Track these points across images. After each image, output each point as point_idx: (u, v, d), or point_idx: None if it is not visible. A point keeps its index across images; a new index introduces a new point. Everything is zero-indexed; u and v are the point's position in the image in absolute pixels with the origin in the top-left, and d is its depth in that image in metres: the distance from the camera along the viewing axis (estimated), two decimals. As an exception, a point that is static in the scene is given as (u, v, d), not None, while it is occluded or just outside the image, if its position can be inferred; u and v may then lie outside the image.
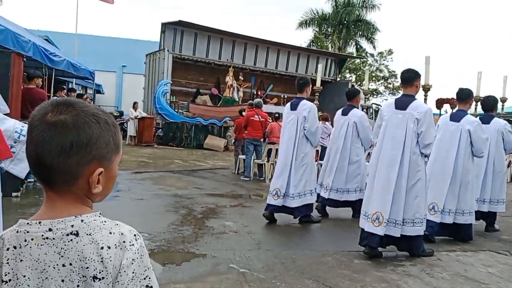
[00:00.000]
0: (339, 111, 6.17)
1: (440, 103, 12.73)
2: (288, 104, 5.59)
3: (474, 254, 4.48)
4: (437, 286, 3.47)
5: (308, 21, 30.15)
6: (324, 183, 5.98)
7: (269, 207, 5.26)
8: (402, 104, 4.19)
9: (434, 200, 4.82)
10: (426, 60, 4.78)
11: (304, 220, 5.38)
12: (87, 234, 0.85)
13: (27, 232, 0.85)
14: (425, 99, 4.88)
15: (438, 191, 4.86)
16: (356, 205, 5.68)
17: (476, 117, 5.43)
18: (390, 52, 31.35)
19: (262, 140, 9.45)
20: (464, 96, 5.00)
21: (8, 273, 0.84)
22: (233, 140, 11.58)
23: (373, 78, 31.21)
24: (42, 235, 0.84)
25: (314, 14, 30.11)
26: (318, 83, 6.61)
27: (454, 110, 5.03)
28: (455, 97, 5.19)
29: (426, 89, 4.85)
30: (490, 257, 4.42)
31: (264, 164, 9.16)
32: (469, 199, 4.89)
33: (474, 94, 5.38)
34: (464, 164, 4.82)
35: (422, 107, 4.19)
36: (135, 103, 16.45)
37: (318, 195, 5.87)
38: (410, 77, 4.25)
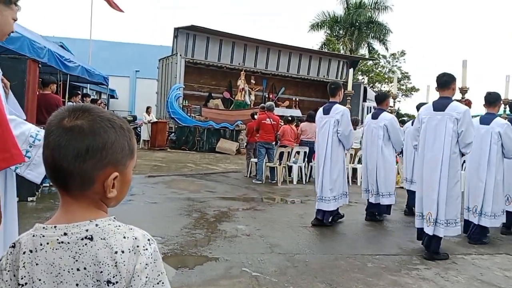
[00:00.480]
0: (369, 115, 6.34)
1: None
2: (321, 109, 5.70)
3: (490, 257, 4.40)
4: (452, 290, 3.42)
5: (319, 24, 30.09)
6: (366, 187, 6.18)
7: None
8: (440, 106, 4.34)
9: (475, 203, 4.97)
10: (463, 64, 5.03)
11: (335, 220, 5.61)
12: (101, 239, 0.86)
13: (43, 236, 0.86)
14: (463, 101, 5.05)
15: (475, 193, 4.98)
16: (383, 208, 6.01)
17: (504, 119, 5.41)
18: (402, 53, 31.11)
19: (274, 143, 9.45)
20: (493, 99, 5.07)
21: (24, 276, 0.86)
22: (245, 144, 11.60)
23: (386, 80, 30.98)
24: (57, 239, 0.86)
25: (326, 16, 30.04)
26: (349, 87, 6.75)
27: (484, 114, 5.13)
28: (483, 100, 5.18)
29: (464, 91, 5.05)
30: (507, 260, 4.34)
31: (276, 167, 9.15)
32: (500, 201, 5.02)
33: (503, 97, 5.42)
34: (496, 166, 4.89)
35: (461, 107, 4.31)
36: (148, 108, 16.61)
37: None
38: (447, 81, 4.39)
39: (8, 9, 1.92)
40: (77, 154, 0.85)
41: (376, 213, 6.05)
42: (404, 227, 5.76)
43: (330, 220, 5.46)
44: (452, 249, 4.66)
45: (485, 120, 5.05)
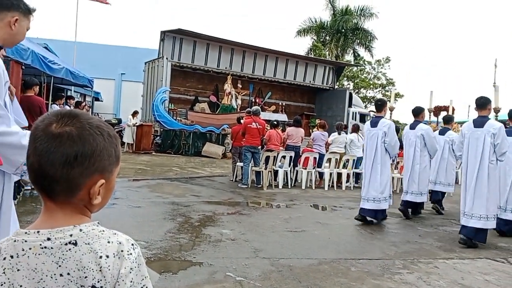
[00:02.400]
0: (407, 126, 7.25)
1: (437, 110, 12.79)
2: (368, 122, 6.79)
3: (471, 262, 4.48)
4: (434, 294, 3.47)
5: (306, 29, 30.35)
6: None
7: (364, 211, 6.17)
8: (479, 124, 5.32)
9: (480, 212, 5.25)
10: (496, 88, 6.06)
11: (381, 218, 6.30)
12: (85, 244, 0.86)
13: (25, 241, 0.85)
14: (496, 119, 5.85)
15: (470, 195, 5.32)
16: (420, 206, 7.08)
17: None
18: (387, 59, 31.54)
19: (260, 147, 9.47)
20: (481, 103, 5.45)
21: (4, 283, 0.85)
22: (230, 148, 11.60)
23: (371, 86, 31.35)
24: (40, 244, 0.85)
25: (312, 22, 30.31)
26: (392, 102, 7.78)
27: (476, 117, 5.55)
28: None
29: (497, 110, 5.97)
30: (487, 264, 4.42)
31: (262, 171, 9.16)
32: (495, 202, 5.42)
33: (493, 106, 5.74)
34: (489, 167, 5.27)
35: (496, 124, 5.28)
36: (135, 112, 16.46)
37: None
38: (484, 103, 5.35)
39: (26, 19, 1.98)
40: (66, 160, 0.84)
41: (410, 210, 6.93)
42: (387, 231, 5.83)
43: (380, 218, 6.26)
44: (434, 253, 4.73)
45: (478, 123, 5.39)
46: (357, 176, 11.15)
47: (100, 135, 0.89)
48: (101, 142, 0.88)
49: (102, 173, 0.89)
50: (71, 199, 0.88)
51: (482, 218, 5.11)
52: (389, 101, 8.06)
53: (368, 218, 6.18)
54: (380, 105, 6.58)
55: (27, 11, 1.98)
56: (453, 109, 9.96)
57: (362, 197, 6.22)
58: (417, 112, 7.14)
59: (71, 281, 0.84)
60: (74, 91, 19.61)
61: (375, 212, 6.16)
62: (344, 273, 3.84)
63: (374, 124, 6.34)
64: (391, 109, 7.35)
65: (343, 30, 29.51)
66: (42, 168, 0.85)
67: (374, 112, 7.54)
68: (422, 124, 6.98)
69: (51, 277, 0.84)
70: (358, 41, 30.19)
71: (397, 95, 31.62)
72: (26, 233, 0.86)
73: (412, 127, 6.97)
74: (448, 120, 8.62)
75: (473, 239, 5.10)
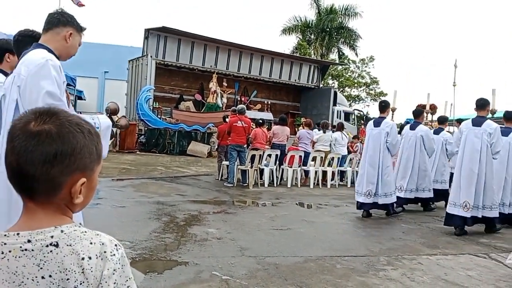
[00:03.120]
0: (407, 127, 7.63)
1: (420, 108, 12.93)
2: (371, 122, 6.97)
3: (454, 258, 4.55)
4: (418, 290, 3.51)
5: (291, 28, 30.42)
6: (397, 184, 7.18)
7: (363, 205, 6.56)
8: (478, 123, 5.72)
9: (466, 198, 5.60)
10: (493, 92, 6.50)
11: (392, 213, 6.71)
12: (67, 245, 0.84)
13: (4, 244, 0.83)
14: (492, 118, 6.14)
15: (467, 190, 5.64)
16: (427, 201, 7.54)
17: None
18: (371, 59, 31.84)
19: (245, 146, 9.46)
20: (480, 104, 5.83)
21: None
22: (216, 146, 11.56)
23: (355, 85, 31.61)
24: (21, 247, 0.82)
25: (298, 21, 30.41)
26: (394, 103, 7.85)
27: (475, 116, 5.91)
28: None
29: (493, 112, 6.40)
30: (469, 260, 4.50)
31: (248, 170, 9.16)
32: (494, 196, 5.78)
33: (490, 108, 6.12)
34: (487, 164, 5.67)
35: (493, 124, 5.69)
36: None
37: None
38: (483, 104, 5.77)
39: (78, 35, 2.36)
40: (45, 159, 0.82)
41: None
42: (371, 228, 5.88)
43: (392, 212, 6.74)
44: (418, 250, 4.80)
45: (477, 122, 5.77)
46: (342, 174, 11.24)
47: (80, 133, 0.87)
48: (82, 139, 0.87)
49: (83, 171, 0.87)
50: (52, 199, 0.86)
51: (493, 208, 5.63)
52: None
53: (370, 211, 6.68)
54: (384, 106, 6.96)
55: (80, 28, 2.38)
56: (435, 107, 10.11)
57: (359, 192, 6.60)
58: (418, 114, 7.68)
59: (53, 284, 0.82)
60: (56, 90, 19.28)
61: (386, 206, 6.64)
62: (329, 270, 3.86)
63: (377, 124, 6.69)
64: (393, 110, 7.70)
65: (328, 29, 29.67)
66: (21, 168, 0.83)
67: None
68: (422, 125, 7.46)
69: (32, 280, 0.82)
70: (343, 40, 30.40)
71: (381, 94, 31.97)
72: (5, 235, 0.84)
73: (412, 128, 7.38)
74: (443, 120, 8.89)
75: (492, 226, 5.75)
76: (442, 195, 7.72)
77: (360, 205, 6.62)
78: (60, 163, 0.83)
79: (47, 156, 0.82)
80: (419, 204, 7.59)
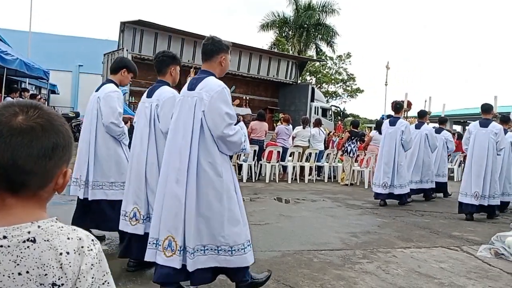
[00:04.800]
0: (413, 126, 8.54)
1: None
2: (387, 121, 7.85)
3: (427, 251, 4.67)
4: (392, 282, 3.59)
5: (269, 24, 30.41)
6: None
7: (380, 195, 7.50)
8: (484, 124, 6.67)
9: (476, 189, 6.48)
10: (495, 98, 7.64)
11: (404, 203, 7.56)
12: (44, 240, 0.82)
13: None
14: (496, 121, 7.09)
15: (477, 182, 6.54)
16: (428, 192, 8.58)
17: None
18: (348, 55, 32.15)
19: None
20: (485, 108, 6.80)
21: None
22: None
23: (332, 81, 31.90)
24: None
25: (275, 17, 30.41)
26: (405, 105, 9.03)
27: (482, 119, 6.81)
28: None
29: (494, 116, 7.33)
30: (442, 253, 4.62)
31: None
32: (497, 186, 6.75)
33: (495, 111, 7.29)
34: (493, 159, 6.57)
35: (498, 125, 6.71)
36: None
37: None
38: (488, 108, 6.75)
39: (228, 54, 3.18)
40: (44, 153, 0.83)
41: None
42: (348, 223, 5.97)
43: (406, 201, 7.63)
44: (392, 243, 4.90)
45: (484, 124, 6.70)
46: (319, 169, 11.36)
47: (65, 125, 0.90)
48: (68, 131, 0.89)
49: (68, 162, 0.90)
50: (40, 192, 0.86)
51: (495, 197, 6.60)
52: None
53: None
54: (399, 107, 7.87)
55: (228, 48, 3.15)
56: (411, 104, 10.30)
57: (376, 184, 7.55)
58: (423, 114, 8.88)
59: (30, 280, 0.80)
60: (29, 83, 18.78)
61: (400, 197, 7.52)
62: (307, 264, 3.90)
63: (392, 123, 7.57)
64: (407, 111, 8.66)
65: (306, 26, 29.80)
66: (15, 163, 0.81)
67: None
68: (426, 125, 8.64)
69: (9, 277, 0.80)
70: (320, 36, 30.57)
71: (358, 90, 32.37)
72: None
73: (418, 127, 8.52)
74: (444, 121, 9.96)
75: (493, 213, 6.70)
76: (441, 187, 8.97)
77: (376, 195, 7.57)
78: (56, 155, 0.85)
79: (46, 150, 0.83)
80: (422, 194, 8.56)
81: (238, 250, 2.77)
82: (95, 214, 3.83)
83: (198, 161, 2.72)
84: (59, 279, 0.82)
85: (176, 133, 2.85)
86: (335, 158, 11.28)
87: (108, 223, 3.77)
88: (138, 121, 3.53)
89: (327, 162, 10.98)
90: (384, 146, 7.57)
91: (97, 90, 4.03)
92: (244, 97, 21.37)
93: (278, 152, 10.09)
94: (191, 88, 2.92)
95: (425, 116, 9.09)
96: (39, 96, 14.03)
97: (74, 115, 18.58)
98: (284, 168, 10.53)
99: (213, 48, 2.95)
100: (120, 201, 3.48)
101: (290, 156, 10.39)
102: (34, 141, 0.82)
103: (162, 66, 3.75)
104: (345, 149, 10.35)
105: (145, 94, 3.73)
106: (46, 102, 16.03)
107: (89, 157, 3.79)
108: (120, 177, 3.77)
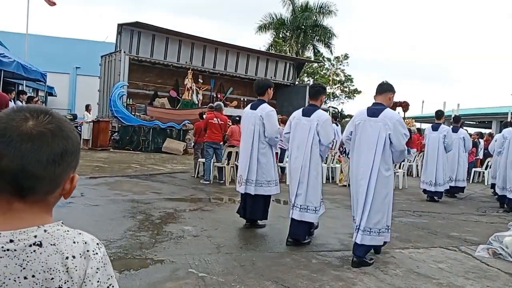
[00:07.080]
0: (429, 127, 9.11)
1: (393, 106, 13.27)
2: (430, 126, 8.94)
3: (425, 251, 4.68)
4: (391, 283, 3.60)
5: (267, 25, 30.45)
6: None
7: (427, 192, 8.50)
8: (436, 128, 8.28)
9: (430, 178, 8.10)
10: (444, 105, 8.19)
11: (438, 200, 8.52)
12: (51, 244, 0.83)
13: None
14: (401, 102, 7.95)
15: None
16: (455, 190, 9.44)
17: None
18: (346, 56, 32.23)
19: (221, 143, 9.43)
20: (438, 115, 8.04)
21: None
22: (193, 144, 11.47)
23: (330, 82, 31.95)
24: (2, 247, 0.80)
25: (273, 18, 30.45)
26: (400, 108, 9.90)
27: (434, 124, 8.02)
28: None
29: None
30: (440, 253, 4.64)
31: (224, 167, 9.13)
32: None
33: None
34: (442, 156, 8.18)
35: (446, 127, 8.02)
36: (88, 106, 15.91)
37: None
38: (440, 114, 8.17)
39: (393, 95, 4.29)
40: (54, 158, 0.83)
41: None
42: (346, 224, 5.95)
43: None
44: (391, 243, 4.90)
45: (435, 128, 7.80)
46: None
47: (74, 130, 0.90)
48: (77, 138, 0.90)
49: (75, 168, 0.90)
50: (48, 196, 0.86)
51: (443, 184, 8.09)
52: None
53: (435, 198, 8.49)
54: (440, 114, 8.90)
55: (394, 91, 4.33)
56: (408, 104, 10.35)
57: (424, 181, 8.51)
58: (440, 115, 9.04)
59: (36, 284, 0.80)
60: (26, 86, 18.74)
61: (438, 194, 8.45)
62: (305, 265, 3.91)
63: (435, 128, 8.62)
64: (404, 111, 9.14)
65: (303, 27, 29.84)
66: (25, 169, 0.80)
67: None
68: (443, 125, 8.89)
69: (15, 281, 0.80)
70: (318, 37, 30.63)
71: (356, 91, 32.44)
72: None
73: (435, 128, 8.76)
74: (458, 119, 10.18)
75: (441, 195, 8.37)
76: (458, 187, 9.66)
77: (424, 191, 8.58)
78: (65, 161, 0.85)
79: (55, 155, 0.83)
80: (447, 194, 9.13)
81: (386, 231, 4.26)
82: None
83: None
84: (65, 283, 0.82)
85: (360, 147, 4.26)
86: (333, 159, 11.29)
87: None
88: (294, 134, 4.83)
89: (325, 163, 10.98)
90: (428, 149, 8.62)
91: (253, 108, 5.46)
92: (242, 99, 21.37)
93: (276, 153, 10.07)
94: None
95: (442, 116, 9.23)
96: (36, 98, 14.01)
97: (71, 117, 18.57)
98: (282, 169, 10.52)
99: (387, 88, 4.21)
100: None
101: (287, 157, 10.38)
102: (44, 147, 0.82)
103: (316, 94, 4.92)
104: (343, 150, 10.35)
105: (300, 112, 4.96)
106: (44, 105, 16.00)
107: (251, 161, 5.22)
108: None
